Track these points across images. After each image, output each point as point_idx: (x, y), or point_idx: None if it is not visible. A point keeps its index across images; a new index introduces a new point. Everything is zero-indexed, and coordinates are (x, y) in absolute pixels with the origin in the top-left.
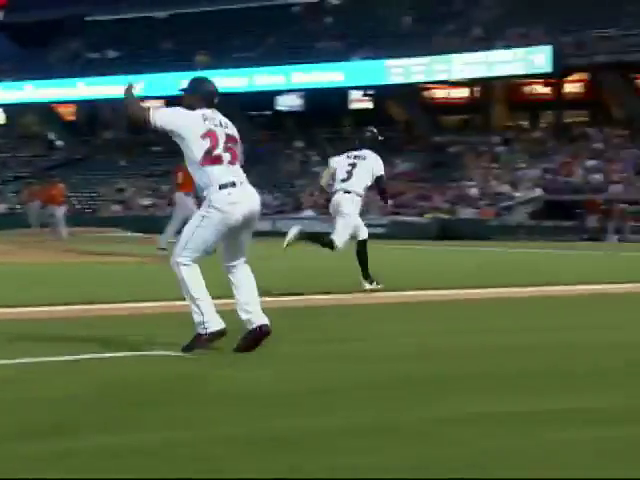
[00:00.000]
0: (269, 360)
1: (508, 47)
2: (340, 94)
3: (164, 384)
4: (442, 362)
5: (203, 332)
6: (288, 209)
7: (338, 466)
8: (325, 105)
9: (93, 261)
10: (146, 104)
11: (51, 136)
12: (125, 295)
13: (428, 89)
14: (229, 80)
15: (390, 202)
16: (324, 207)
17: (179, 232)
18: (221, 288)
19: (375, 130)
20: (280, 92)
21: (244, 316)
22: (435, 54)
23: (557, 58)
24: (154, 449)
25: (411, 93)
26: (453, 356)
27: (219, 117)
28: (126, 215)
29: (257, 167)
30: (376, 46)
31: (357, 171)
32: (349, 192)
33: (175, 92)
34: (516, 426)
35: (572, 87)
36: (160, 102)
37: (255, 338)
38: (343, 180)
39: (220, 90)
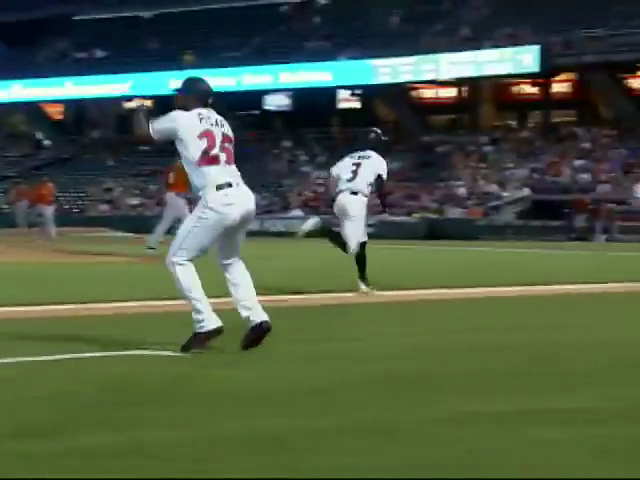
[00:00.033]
0: (267, 359)
1: (496, 47)
2: (328, 94)
3: (163, 384)
4: (433, 362)
5: (200, 331)
6: (276, 209)
7: (337, 466)
8: (313, 105)
9: (82, 261)
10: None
11: (39, 135)
12: (117, 295)
13: (416, 89)
14: (216, 80)
15: (388, 210)
16: (312, 207)
17: (169, 232)
18: (218, 287)
19: (379, 131)
20: (268, 92)
21: (244, 313)
22: (423, 54)
23: (545, 58)
24: (153, 449)
25: (399, 93)
26: (443, 355)
27: (214, 116)
28: (114, 215)
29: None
30: (364, 46)
31: (362, 170)
32: (356, 193)
33: (162, 91)
34: (510, 425)
35: (560, 87)
36: (147, 101)
37: (257, 335)
38: (349, 180)
39: None
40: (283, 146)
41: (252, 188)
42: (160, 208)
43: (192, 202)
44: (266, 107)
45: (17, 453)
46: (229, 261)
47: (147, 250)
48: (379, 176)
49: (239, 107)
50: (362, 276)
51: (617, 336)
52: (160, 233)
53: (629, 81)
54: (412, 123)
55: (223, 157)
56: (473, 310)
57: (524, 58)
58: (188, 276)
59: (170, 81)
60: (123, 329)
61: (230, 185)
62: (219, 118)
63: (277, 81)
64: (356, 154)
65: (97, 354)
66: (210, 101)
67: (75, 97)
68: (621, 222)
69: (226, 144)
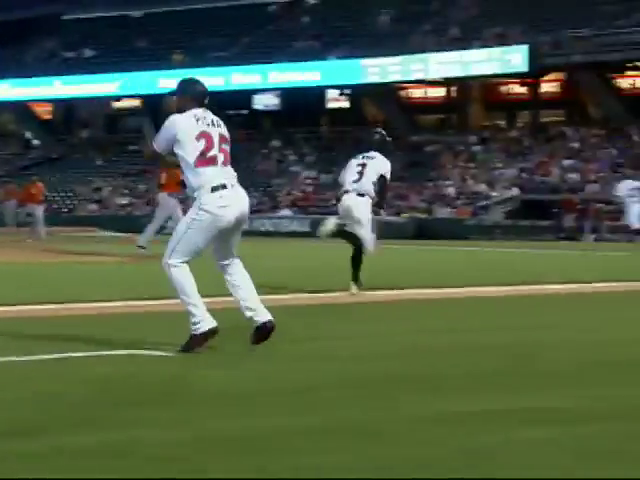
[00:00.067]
0: (253, 359)
1: (484, 47)
2: (317, 93)
3: (148, 384)
4: (419, 361)
5: (196, 333)
6: (265, 208)
7: (321, 465)
8: (302, 104)
9: (72, 261)
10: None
11: (27, 135)
12: (104, 295)
13: (405, 88)
14: (205, 79)
15: (384, 212)
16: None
17: (159, 232)
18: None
19: (384, 132)
20: (257, 91)
21: (247, 314)
22: (411, 54)
23: (533, 58)
24: (137, 448)
25: (388, 92)
26: (429, 355)
27: (210, 116)
28: (103, 214)
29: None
30: (353, 45)
31: (367, 171)
32: (362, 195)
33: (151, 90)
34: (495, 425)
35: (549, 87)
36: (137, 100)
37: (262, 335)
38: (354, 181)
39: None
40: (272, 146)
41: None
42: (149, 207)
43: (183, 202)
44: (255, 107)
45: (1, 453)
46: (227, 262)
47: (138, 249)
48: (382, 176)
49: (228, 107)
50: (354, 277)
51: (604, 336)
52: (151, 233)
53: (618, 81)
54: (401, 123)
55: (220, 158)
56: (461, 310)
57: (513, 58)
58: (183, 278)
59: (159, 81)
60: (109, 329)
61: (225, 187)
62: (215, 118)
63: (266, 81)
64: (360, 155)
65: (85, 354)
66: (206, 101)
67: (64, 97)
68: (610, 222)
69: (223, 145)
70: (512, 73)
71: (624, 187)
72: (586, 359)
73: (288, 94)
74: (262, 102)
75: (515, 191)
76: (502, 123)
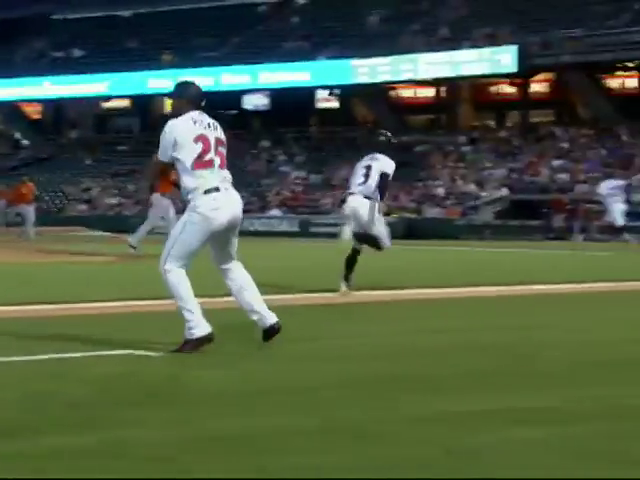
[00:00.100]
0: (250, 359)
1: (474, 47)
2: (306, 94)
3: (142, 384)
4: (408, 362)
5: (190, 337)
6: (254, 208)
7: (317, 465)
8: (291, 104)
9: (63, 261)
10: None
11: (17, 135)
12: (97, 294)
13: (394, 89)
14: (195, 79)
15: (383, 205)
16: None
17: (150, 232)
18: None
19: (389, 134)
20: (246, 91)
21: (253, 317)
22: (401, 54)
23: (523, 58)
24: (130, 449)
25: (377, 92)
26: (421, 355)
27: (207, 119)
28: (92, 214)
29: None
30: (342, 45)
31: (372, 173)
32: (369, 197)
33: (140, 91)
34: (487, 425)
35: (538, 87)
36: (126, 100)
37: (270, 336)
38: (360, 183)
39: None
40: (261, 146)
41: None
42: (138, 207)
43: (174, 202)
44: (245, 107)
45: None
46: (227, 266)
47: (129, 249)
48: (384, 173)
49: (218, 107)
50: (346, 276)
51: (594, 336)
52: (143, 233)
53: (607, 81)
54: (390, 123)
55: (217, 161)
56: (451, 310)
57: (502, 58)
58: (179, 283)
59: (149, 81)
60: (103, 329)
61: (218, 189)
62: (212, 121)
63: (255, 81)
64: (366, 157)
65: (84, 354)
66: (203, 104)
67: (53, 97)
68: (599, 222)
69: (220, 148)
70: (502, 73)
71: (605, 186)
72: (577, 359)
73: (278, 94)
74: (252, 102)
75: (504, 191)
76: (491, 123)
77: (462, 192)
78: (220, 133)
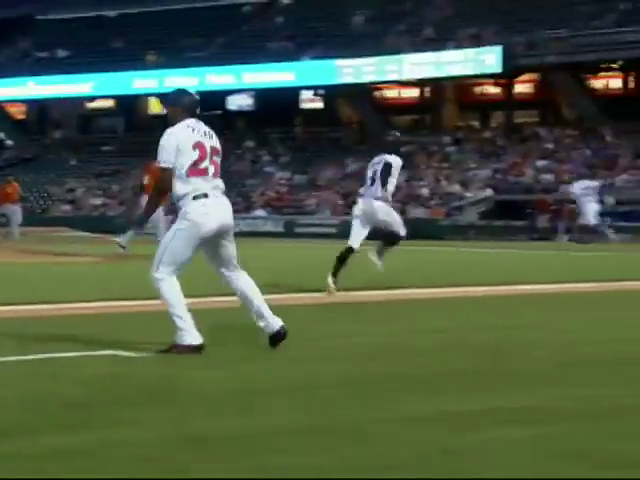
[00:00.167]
0: (241, 360)
1: (459, 47)
2: (291, 94)
3: (146, 384)
4: (394, 362)
5: (181, 343)
6: (239, 209)
7: (306, 465)
8: (276, 105)
9: (49, 261)
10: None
11: (1, 135)
12: (84, 295)
13: (379, 89)
14: (180, 80)
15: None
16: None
17: (138, 234)
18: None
19: (398, 134)
20: (231, 92)
21: (259, 323)
22: (386, 54)
23: (507, 58)
24: (124, 449)
25: (362, 93)
26: (405, 356)
27: (203, 127)
28: (76, 215)
29: None
30: (327, 46)
31: (380, 175)
32: (379, 198)
33: (125, 91)
34: (476, 424)
35: (523, 87)
36: (110, 101)
37: (276, 341)
38: (369, 186)
39: (169, 90)
40: (246, 146)
41: None
42: (122, 208)
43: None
44: (229, 107)
45: None
46: (228, 273)
47: (118, 249)
48: (387, 163)
49: (202, 107)
50: (334, 273)
51: (580, 336)
52: (132, 233)
53: (591, 81)
54: (375, 123)
55: (211, 170)
56: (439, 310)
57: (487, 58)
58: (171, 292)
59: (134, 81)
60: (92, 329)
61: (207, 196)
62: (207, 129)
63: (240, 81)
64: (376, 158)
65: (77, 354)
66: (198, 111)
67: (37, 97)
68: (577, 223)
69: (214, 157)
70: (486, 74)
71: (578, 186)
72: (565, 359)
73: (262, 95)
74: (236, 102)
75: (489, 192)
76: (476, 124)
77: (446, 192)
78: (216, 142)
